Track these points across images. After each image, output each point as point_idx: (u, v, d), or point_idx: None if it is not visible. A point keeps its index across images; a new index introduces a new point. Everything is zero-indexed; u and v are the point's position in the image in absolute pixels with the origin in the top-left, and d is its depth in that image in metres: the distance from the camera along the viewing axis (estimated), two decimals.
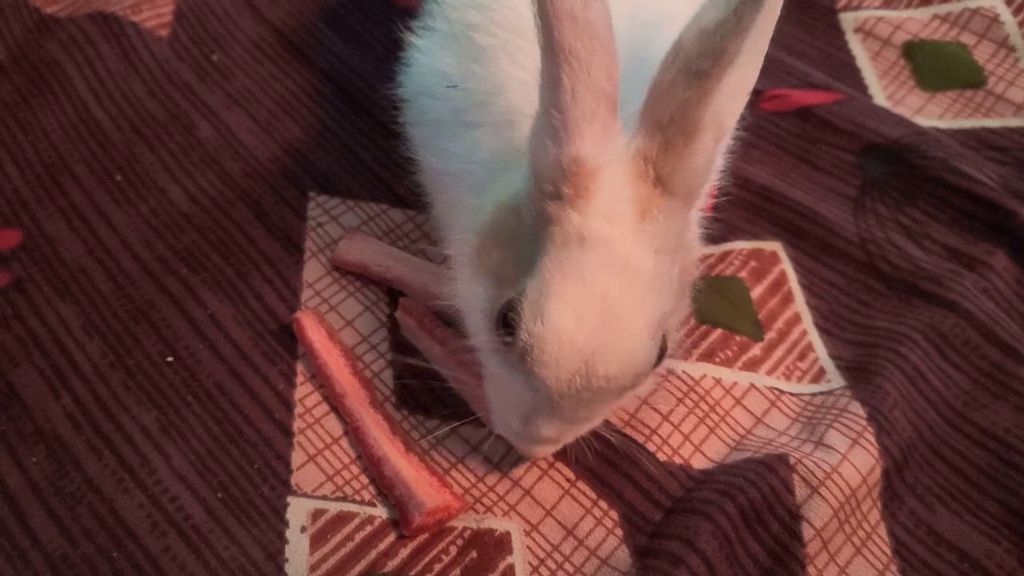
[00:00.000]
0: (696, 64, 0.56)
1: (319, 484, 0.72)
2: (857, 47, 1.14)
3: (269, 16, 1.13)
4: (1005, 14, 1.13)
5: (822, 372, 0.83)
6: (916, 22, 1.15)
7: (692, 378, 0.80)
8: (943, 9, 1.16)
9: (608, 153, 0.59)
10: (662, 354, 0.63)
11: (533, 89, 0.60)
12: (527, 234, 0.61)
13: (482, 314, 0.64)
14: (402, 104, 0.81)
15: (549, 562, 0.69)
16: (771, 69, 1.07)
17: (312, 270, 0.87)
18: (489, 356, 0.65)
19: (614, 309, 0.58)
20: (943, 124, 1.04)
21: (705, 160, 0.61)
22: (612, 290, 0.58)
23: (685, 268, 0.65)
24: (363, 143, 0.99)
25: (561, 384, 0.60)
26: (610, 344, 0.58)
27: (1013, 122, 1.04)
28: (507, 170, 0.66)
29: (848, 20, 1.17)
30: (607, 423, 0.76)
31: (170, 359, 0.79)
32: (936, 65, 1.10)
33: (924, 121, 1.04)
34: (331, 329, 0.80)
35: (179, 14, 1.11)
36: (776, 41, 1.10)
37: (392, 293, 0.85)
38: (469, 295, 0.66)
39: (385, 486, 0.71)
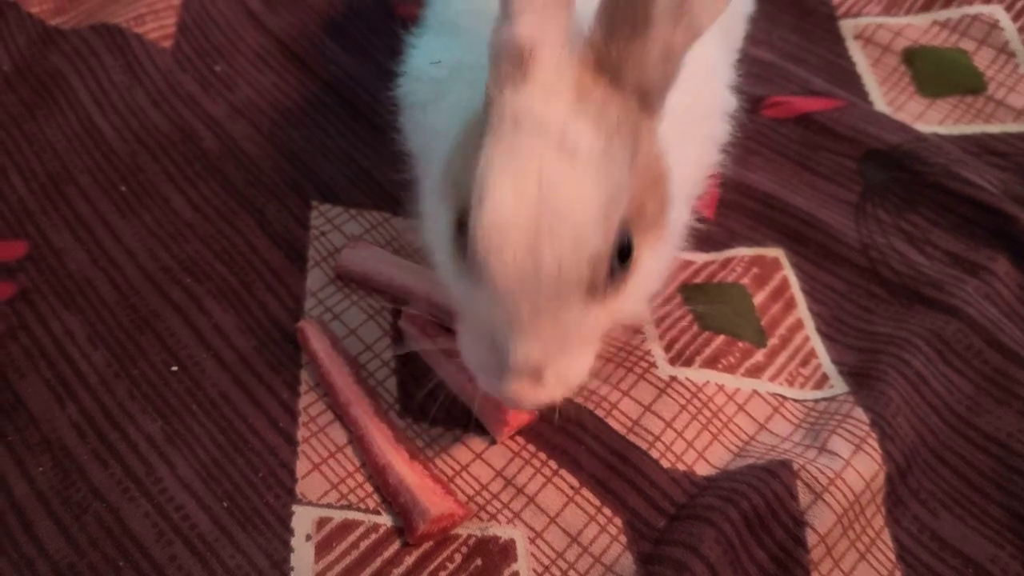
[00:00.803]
0: None
1: (324, 492, 0.72)
2: (857, 53, 1.14)
3: (271, 27, 1.13)
4: (1005, 20, 1.13)
5: (825, 378, 0.83)
6: (916, 28, 1.15)
7: (695, 384, 0.80)
8: (943, 15, 1.16)
9: (550, 34, 0.59)
10: (628, 251, 0.61)
11: None
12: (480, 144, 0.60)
13: (446, 235, 0.63)
14: (399, 99, 0.82)
15: (554, 569, 0.70)
16: (772, 76, 1.08)
17: (315, 279, 0.87)
18: (456, 289, 0.63)
19: (552, 185, 0.56)
20: (943, 130, 1.05)
21: (661, 55, 0.60)
22: (548, 166, 0.56)
23: (655, 177, 0.64)
24: (365, 152, 0.99)
25: (508, 272, 0.56)
26: (553, 221, 0.56)
27: (1014, 128, 1.04)
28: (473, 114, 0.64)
29: (848, 27, 1.17)
30: (609, 429, 0.76)
31: (174, 368, 0.79)
32: (936, 71, 1.11)
33: (925, 127, 1.04)
34: (335, 338, 0.81)
35: (182, 25, 1.12)
36: (776, 48, 1.13)
37: (396, 301, 0.85)
38: (435, 220, 0.65)
39: (389, 494, 0.71)
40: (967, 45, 1.13)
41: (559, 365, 0.60)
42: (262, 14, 1.15)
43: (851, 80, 1.11)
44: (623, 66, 0.59)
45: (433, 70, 0.74)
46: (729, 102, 0.83)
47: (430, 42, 0.78)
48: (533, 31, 0.59)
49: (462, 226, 0.60)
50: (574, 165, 0.57)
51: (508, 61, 0.59)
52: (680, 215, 0.71)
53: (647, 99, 0.61)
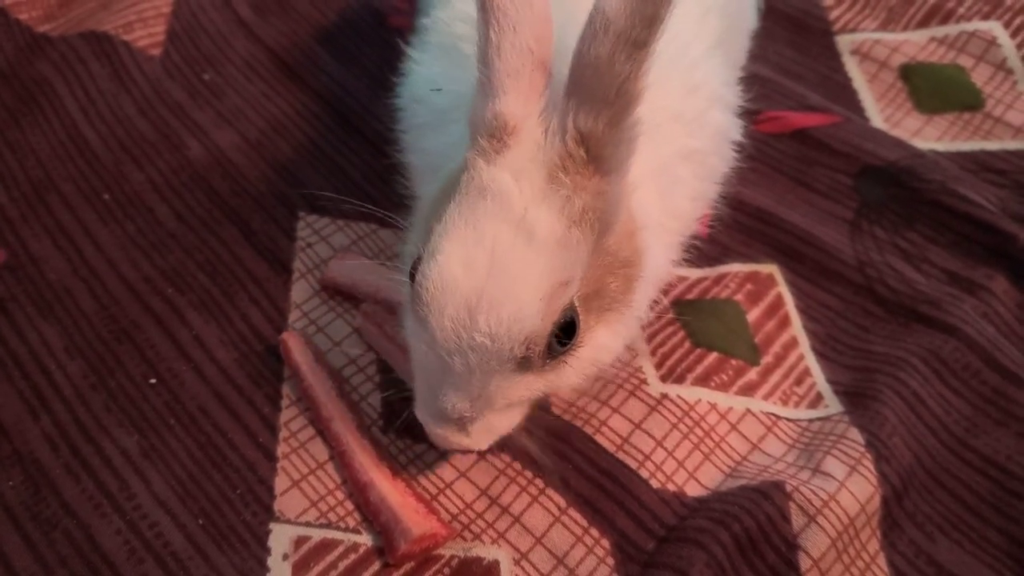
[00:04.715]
0: (632, 34, 0.55)
1: (303, 510, 0.70)
2: (854, 69, 1.13)
3: (262, 36, 1.12)
4: (1003, 37, 1.12)
5: (819, 397, 0.82)
6: (913, 44, 1.14)
7: (687, 403, 0.79)
8: (940, 31, 1.15)
9: (531, 113, 0.60)
10: (571, 330, 0.61)
11: None
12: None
13: (407, 267, 0.64)
14: (398, 112, 0.81)
15: None
16: (767, 91, 1.06)
17: (300, 291, 0.85)
18: (409, 324, 0.64)
19: (503, 262, 0.57)
20: (941, 147, 1.03)
21: (639, 130, 0.60)
22: (503, 243, 0.58)
23: (626, 260, 0.64)
24: (354, 163, 0.98)
25: (445, 332, 0.58)
26: (494, 296, 0.57)
27: (1012, 145, 1.03)
28: None
29: (844, 42, 1.16)
30: (598, 447, 0.75)
31: (153, 381, 0.78)
32: (934, 87, 1.10)
33: (922, 143, 1.03)
34: (318, 351, 0.79)
35: (172, 33, 1.10)
36: (772, 63, 1.12)
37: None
38: (408, 251, 0.67)
39: (371, 512, 0.69)
40: (965, 61, 1.12)
41: (486, 420, 0.63)
42: (253, 23, 1.14)
43: (847, 96, 1.10)
44: (616, 152, 0.60)
45: (435, 96, 0.73)
46: (734, 130, 0.80)
47: (431, 66, 0.77)
48: (516, 108, 0.60)
49: (416, 264, 0.61)
50: (527, 248, 0.58)
51: (488, 135, 0.60)
52: (656, 273, 0.71)
53: (624, 172, 0.62)
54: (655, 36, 0.55)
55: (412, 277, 0.62)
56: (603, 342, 0.65)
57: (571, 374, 0.64)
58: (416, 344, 0.63)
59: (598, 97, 0.57)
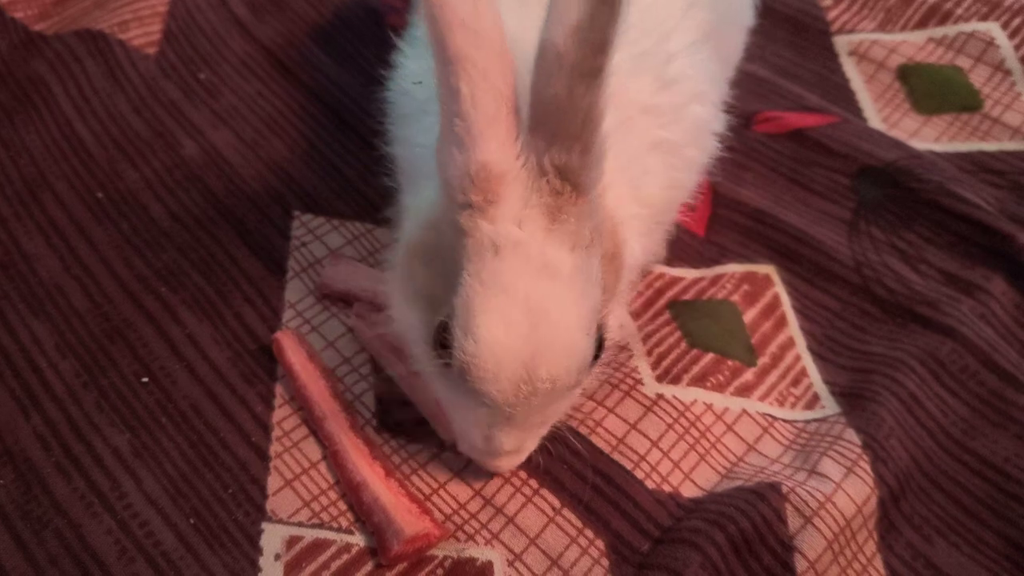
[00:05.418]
0: (586, 64, 0.54)
1: (295, 510, 0.70)
2: (851, 70, 1.13)
3: (258, 35, 1.12)
4: (1001, 38, 1.12)
5: (816, 398, 0.81)
6: (911, 45, 1.14)
7: (683, 403, 0.78)
8: (938, 32, 1.15)
9: (512, 155, 0.59)
10: (600, 346, 0.63)
11: None
12: (447, 250, 0.61)
13: (420, 339, 0.64)
14: (387, 104, 0.81)
15: None
16: (765, 91, 1.06)
17: (294, 290, 0.85)
18: (436, 378, 0.65)
19: (541, 311, 0.58)
20: (939, 147, 1.03)
21: (608, 142, 0.60)
22: (534, 293, 0.58)
23: (612, 254, 0.65)
24: (350, 162, 0.97)
25: (507, 395, 0.60)
26: (546, 346, 0.58)
27: (1010, 146, 1.03)
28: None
29: (842, 43, 1.16)
30: (593, 447, 0.74)
31: (145, 380, 0.77)
32: (932, 88, 1.10)
33: (920, 144, 1.03)
34: (311, 350, 0.78)
35: (167, 32, 1.10)
36: (770, 63, 1.12)
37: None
38: (405, 320, 0.66)
39: (363, 512, 0.69)
40: (963, 62, 1.12)
41: (535, 437, 0.66)
42: (249, 22, 1.13)
43: (845, 97, 1.10)
44: (590, 176, 0.59)
45: (417, 89, 0.73)
46: (716, 123, 0.79)
47: (418, 59, 0.76)
48: (499, 156, 0.58)
49: (442, 334, 0.61)
50: (558, 288, 0.59)
51: (474, 189, 0.58)
52: (636, 260, 0.71)
53: (597, 185, 0.61)
54: (608, 61, 0.55)
55: (439, 343, 0.62)
56: (612, 325, 0.67)
57: (598, 364, 0.66)
58: (460, 399, 0.63)
59: (566, 133, 0.57)
